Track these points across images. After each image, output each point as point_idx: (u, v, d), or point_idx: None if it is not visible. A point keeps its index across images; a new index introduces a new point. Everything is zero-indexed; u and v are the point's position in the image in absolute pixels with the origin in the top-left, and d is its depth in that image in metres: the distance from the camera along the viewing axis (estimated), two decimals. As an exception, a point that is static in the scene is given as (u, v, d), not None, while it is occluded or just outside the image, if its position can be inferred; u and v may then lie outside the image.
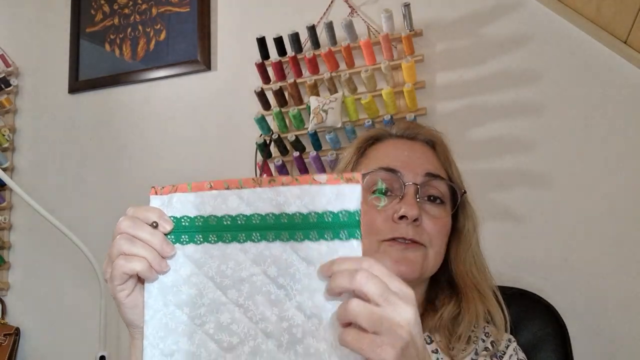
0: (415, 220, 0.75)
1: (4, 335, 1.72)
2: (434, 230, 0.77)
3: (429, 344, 0.77)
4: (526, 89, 1.34)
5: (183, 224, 0.54)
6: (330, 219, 0.49)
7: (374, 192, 0.78)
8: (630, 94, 1.25)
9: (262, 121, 1.48)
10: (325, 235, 0.49)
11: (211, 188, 0.53)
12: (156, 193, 0.55)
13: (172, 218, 0.54)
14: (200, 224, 0.53)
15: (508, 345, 0.80)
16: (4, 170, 1.82)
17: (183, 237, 0.54)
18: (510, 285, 1.02)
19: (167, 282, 0.54)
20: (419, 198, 0.77)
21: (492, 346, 0.78)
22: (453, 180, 0.82)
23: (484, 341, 0.79)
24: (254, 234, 0.52)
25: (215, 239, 0.53)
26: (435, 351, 0.76)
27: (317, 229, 0.49)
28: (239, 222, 0.52)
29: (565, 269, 1.25)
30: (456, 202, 0.82)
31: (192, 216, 0.53)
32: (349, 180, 0.49)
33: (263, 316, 0.51)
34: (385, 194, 0.78)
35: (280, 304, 0.50)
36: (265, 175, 0.47)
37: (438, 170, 0.81)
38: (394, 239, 0.75)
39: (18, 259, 1.84)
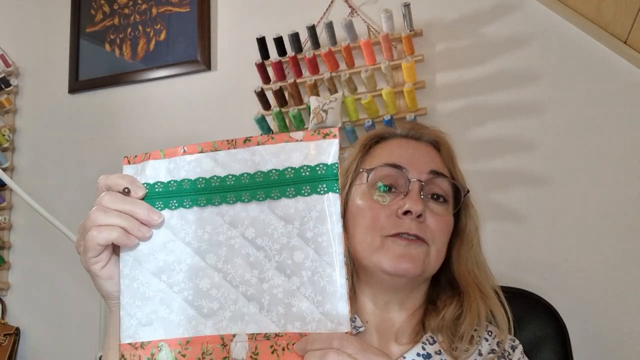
0: (419, 216, 0.75)
1: (4, 335, 1.72)
2: (436, 228, 0.77)
3: (432, 344, 0.77)
4: (526, 89, 1.34)
5: (157, 189, 0.53)
6: (307, 173, 0.48)
7: (378, 189, 0.78)
8: (630, 94, 1.25)
9: (262, 121, 1.48)
10: (303, 191, 0.49)
11: (185, 153, 0.53)
12: (129, 162, 0.55)
13: (145, 185, 0.53)
14: (173, 188, 0.52)
15: (514, 347, 0.79)
16: (4, 170, 1.82)
17: (158, 203, 0.53)
18: (510, 285, 1.02)
19: (143, 250, 0.53)
20: (422, 195, 0.77)
21: (498, 346, 0.78)
22: (457, 180, 0.83)
23: (487, 340, 0.78)
24: (228, 196, 0.51)
25: (190, 203, 0.52)
26: (439, 352, 0.76)
27: (294, 185, 0.49)
28: (213, 184, 0.51)
29: (565, 269, 1.25)
30: (459, 202, 0.82)
31: (165, 181, 0.53)
32: (326, 136, 0.49)
33: (243, 279, 0.50)
34: (390, 190, 0.78)
35: (259, 266, 0.50)
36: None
37: (442, 169, 0.81)
38: (397, 235, 0.75)
39: (18, 259, 1.84)
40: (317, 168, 0.48)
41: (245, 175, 0.50)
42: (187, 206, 0.52)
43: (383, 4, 1.45)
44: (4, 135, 1.87)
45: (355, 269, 0.82)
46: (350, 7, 1.51)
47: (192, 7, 1.72)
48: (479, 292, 0.79)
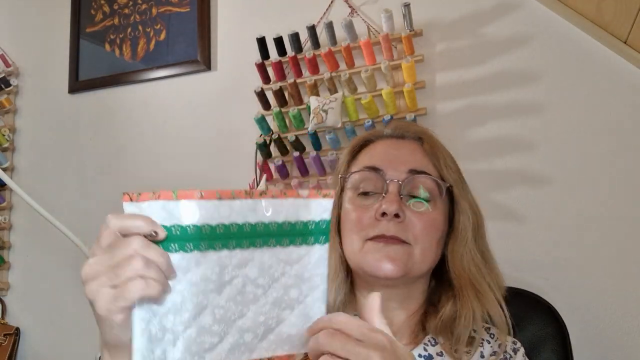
0: (397, 216, 0.75)
1: (4, 335, 1.72)
2: (418, 227, 0.77)
3: (433, 345, 0.76)
4: (526, 89, 1.34)
5: (174, 232, 0.52)
6: (312, 227, 0.57)
7: (360, 194, 0.81)
8: (630, 94, 1.25)
9: (262, 121, 1.48)
10: (308, 241, 0.57)
11: (202, 197, 0.52)
12: (130, 200, 0.52)
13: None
14: (192, 232, 0.52)
15: (516, 350, 0.79)
16: (4, 170, 1.82)
17: (172, 245, 0.52)
18: (510, 285, 1.01)
19: None
20: (402, 195, 0.78)
21: (499, 348, 0.77)
22: (442, 175, 0.82)
23: (489, 343, 0.78)
24: (244, 242, 0.54)
25: (206, 246, 0.52)
26: (440, 353, 0.75)
27: (302, 235, 0.56)
28: (232, 230, 0.53)
29: (565, 269, 1.25)
30: (449, 198, 0.82)
31: (183, 225, 0.52)
32: (325, 196, 0.57)
33: (241, 314, 0.54)
34: (368, 193, 0.80)
35: (258, 302, 0.55)
36: (255, 189, 0.57)
37: (424, 167, 0.81)
38: (376, 237, 0.76)
39: (18, 259, 1.84)
40: (320, 223, 0.57)
41: (260, 224, 0.55)
42: (202, 249, 0.52)
43: (383, 4, 1.45)
44: (4, 135, 1.87)
45: (351, 272, 0.83)
46: (350, 7, 1.51)
47: (192, 7, 1.72)
48: (473, 290, 0.78)
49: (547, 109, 1.32)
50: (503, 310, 0.78)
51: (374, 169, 0.80)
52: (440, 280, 0.84)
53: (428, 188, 0.80)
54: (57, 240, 1.70)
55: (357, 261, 0.77)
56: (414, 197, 0.79)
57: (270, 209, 0.56)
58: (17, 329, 1.75)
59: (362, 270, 0.77)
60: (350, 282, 0.84)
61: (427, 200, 0.79)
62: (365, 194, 0.80)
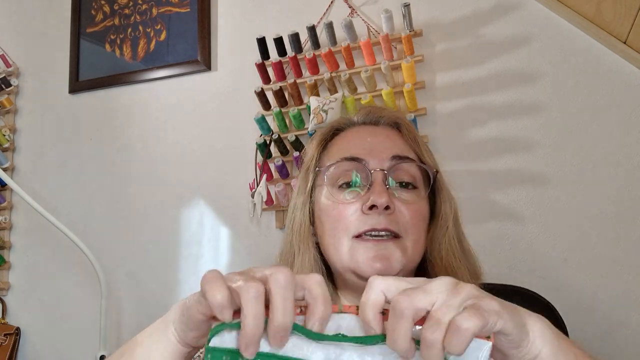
0: (387, 208, 0.68)
1: (4, 335, 1.72)
2: (407, 217, 0.70)
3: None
4: (526, 89, 1.34)
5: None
6: None
7: (340, 187, 0.73)
8: (630, 94, 1.25)
9: (262, 121, 1.48)
10: None
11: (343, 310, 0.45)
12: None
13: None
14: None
15: None
16: (4, 170, 1.82)
17: None
18: (510, 284, 1.02)
19: None
20: (388, 185, 0.71)
21: None
22: (424, 161, 0.76)
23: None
24: None
25: None
26: None
27: None
28: None
29: (565, 269, 1.25)
30: (430, 185, 0.75)
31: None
32: None
33: None
34: (346, 186, 0.73)
35: None
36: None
37: (406, 152, 0.75)
38: (366, 233, 0.69)
39: (18, 259, 1.84)
40: None
41: None
42: None
43: (383, 4, 1.46)
44: (4, 135, 1.87)
45: (332, 273, 0.77)
46: (350, 7, 1.51)
47: (192, 7, 1.72)
48: None
49: (546, 109, 1.32)
50: None
51: (355, 159, 0.73)
52: (420, 269, 0.78)
53: (413, 175, 0.74)
54: (57, 240, 1.71)
55: (345, 263, 0.70)
56: (401, 184, 0.73)
57: None
58: (18, 329, 1.75)
59: (350, 272, 0.70)
60: (332, 282, 0.78)
61: (415, 187, 0.74)
62: (342, 187, 0.73)
